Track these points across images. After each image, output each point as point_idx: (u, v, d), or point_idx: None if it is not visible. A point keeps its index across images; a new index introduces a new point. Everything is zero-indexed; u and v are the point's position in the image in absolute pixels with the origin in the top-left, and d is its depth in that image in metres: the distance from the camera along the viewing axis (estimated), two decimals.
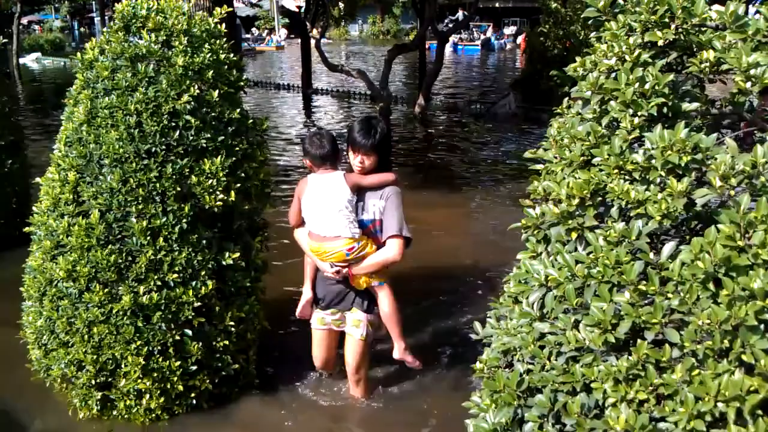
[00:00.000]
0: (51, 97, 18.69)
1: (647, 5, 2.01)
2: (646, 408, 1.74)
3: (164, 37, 3.48)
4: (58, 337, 3.50)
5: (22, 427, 3.66)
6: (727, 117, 2.16)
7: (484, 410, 2.12)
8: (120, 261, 3.32)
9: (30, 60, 30.80)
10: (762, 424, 1.57)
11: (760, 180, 1.72)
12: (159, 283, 3.35)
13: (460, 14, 35.99)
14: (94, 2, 41.61)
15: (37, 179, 3.71)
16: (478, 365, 2.25)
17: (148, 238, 3.31)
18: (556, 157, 2.18)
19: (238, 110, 3.64)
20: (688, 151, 1.79)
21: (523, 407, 2.03)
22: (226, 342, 3.59)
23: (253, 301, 3.75)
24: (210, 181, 3.40)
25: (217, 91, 3.51)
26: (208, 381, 3.59)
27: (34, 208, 3.66)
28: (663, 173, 1.83)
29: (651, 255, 1.82)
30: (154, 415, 3.54)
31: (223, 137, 3.49)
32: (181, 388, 3.49)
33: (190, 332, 3.45)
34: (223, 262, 3.51)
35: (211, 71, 3.52)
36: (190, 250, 3.38)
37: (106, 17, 30.40)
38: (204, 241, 3.44)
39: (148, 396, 3.47)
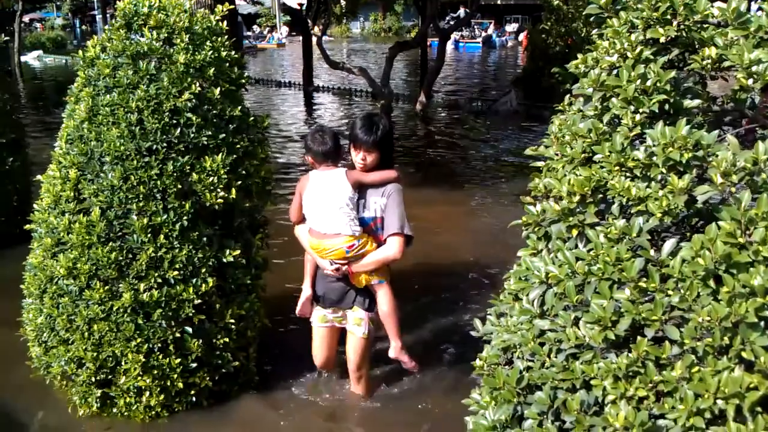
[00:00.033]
0: (52, 95, 18.73)
1: (649, 2, 2.01)
2: (645, 405, 1.73)
3: (166, 35, 3.48)
4: (58, 335, 3.50)
5: (22, 424, 3.67)
6: (729, 114, 2.15)
7: (484, 407, 2.12)
8: (120, 258, 3.32)
9: (31, 58, 30.83)
10: (761, 421, 1.57)
11: (761, 177, 1.71)
12: (159, 280, 3.35)
13: (461, 11, 35.95)
14: (95, 0, 41.60)
15: (38, 177, 3.72)
16: (477, 362, 2.25)
17: (149, 235, 3.31)
18: (557, 154, 2.18)
19: (240, 108, 3.63)
20: (689, 148, 1.79)
21: (523, 404, 2.03)
22: (227, 339, 3.59)
23: (253, 299, 3.75)
24: (211, 178, 3.40)
25: (218, 88, 3.51)
26: (208, 378, 3.60)
27: (35, 206, 3.67)
28: (664, 170, 1.82)
29: (651, 252, 1.82)
30: (154, 412, 3.55)
31: (224, 135, 3.48)
32: (181, 385, 3.49)
33: (190, 329, 3.46)
34: (224, 260, 3.51)
35: (213, 69, 3.51)
36: (190, 247, 3.38)
37: (108, 15, 30.43)
38: (204, 239, 3.44)
39: (148, 393, 3.48)
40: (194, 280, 3.41)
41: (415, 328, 4.70)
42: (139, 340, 3.36)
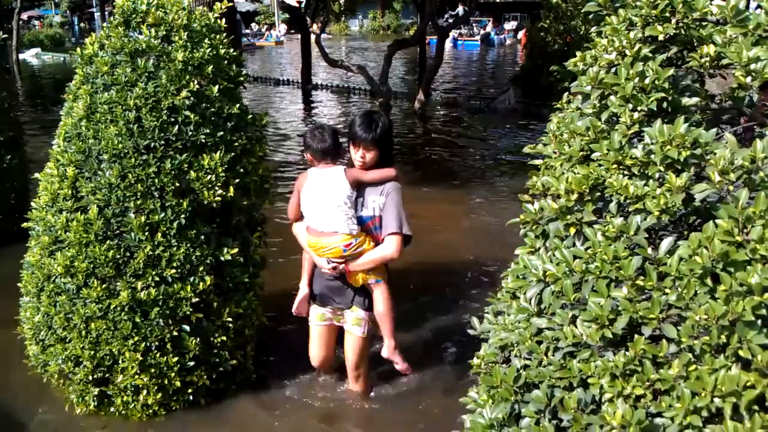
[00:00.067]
0: (50, 93, 18.68)
1: (648, 0, 2.01)
2: (642, 403, 1.73)
3: (164, 32, 3.47)
4: (55, 333, 3.50)
5: (19, 423, 3.66)
6: (727, 112, 2.15)
7: (481, 405, 2.12)
8: (118, 256, 3.32)
9: (30, 55, 30.77)
10: (758, 420, 1.57)
11: (758, 175, 1.71)
12: (157, 278, 3.35)
13: (460, 9, 35.92)
14: None
15: (36, 175, 3.71)
16: (475, 361, 2.25)
17: (147, 233, 3.30)
18: (555, 152, 2.18)
19: (238, 105, 3.63)
20: (687, 146, 1.79)
21: (520, 402, 2.03)
22: (224, 338, 3.58)
23: (251, 297, 3.74)
24: (209, 176, 3.39)
25: (216, 86, 3.50)
26: (205, 377, 3.59)
27: (32, 204, 3.66)
28: (662, 168, 1.82)
29: (649, 250, 1.82)
30: (151, 410, 3.55)
31: (222, 133, 3.48)
32: (178, 383, 3.49)
33: (187, 328, 3.45)
34: (222, 258, 3.51)
35: (211, 66, 3.51)
36: (188, 245, 3.38)
37: (106, 12, 30.39)
38: (202, 237, 3.44)
39: (145, 392, 3.48)
40: (192, 279, 3.41)
41: (413, 327, 4.70)
42: (136, 338, 3.35)
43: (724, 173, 1.71)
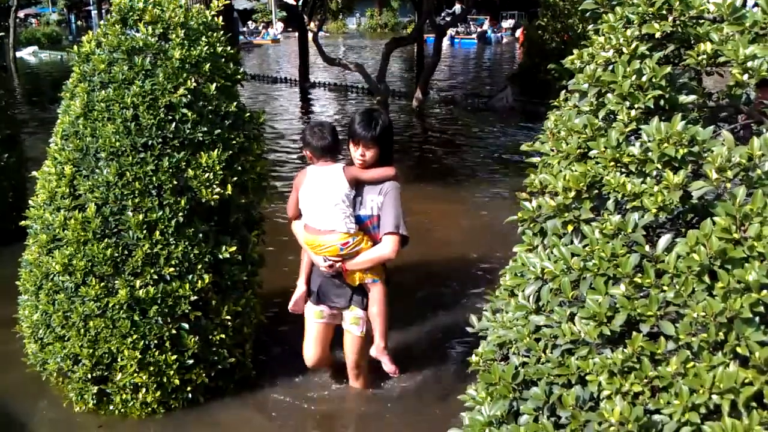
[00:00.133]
0: (48, 91, 18.62)
1: None
2: (641, 400, 1.74)
3: (161, 30, 3.47)
4: (54, 331, 3.49)
5: (18, 421, 3.66)
6: (724, 110, 2.15)
7: (480, 403, 2.12)
8: (116, 255, 3.32)
9: (27, 53, 30.68)
10: (756, 416, 1.57)
11: (756, 172, 1.72)
12: (155, 276, 3.35)
13: (457, 7, 35.89)
14: None
15: (34, 173, 3.71)
16: (473, 358, 2.25)
17: (145, 231, 3.30)
18: (552, 150, 2.17)
19: (235, 103, 3.62)
20: (684, 143, 1.79)
21: (519, 400, 2.03)
22: (223, 336, 3.58)
23: (249, 295, 3.75)
24: (206, 174, 3.39)
25: (214, 84, 3.50)
26: (204, 375, 3.60)
27: (30, 202, 3.65)
28: (659, 166, 1.82)
29: (647, 248, 1.82)
30: (150, 408, 3.55)
31: (219, 130, 3.48)
32: (177, 381, 3.49)
33: (186, 326, 3.45)
34: (220, 256, 3.51)
35: (208, 64, 3.51)
36: (186, 243, 3.38)
37: (103, 10, 30.32)
38: (200, 235, 3.44)
39: (144, 390, 3.48)
40: (190, 277, 3.40)
41: (411, 324, 4.71)
42: (135, 336, 3.35)
43: (721, 171, 1.71)
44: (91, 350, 3.39)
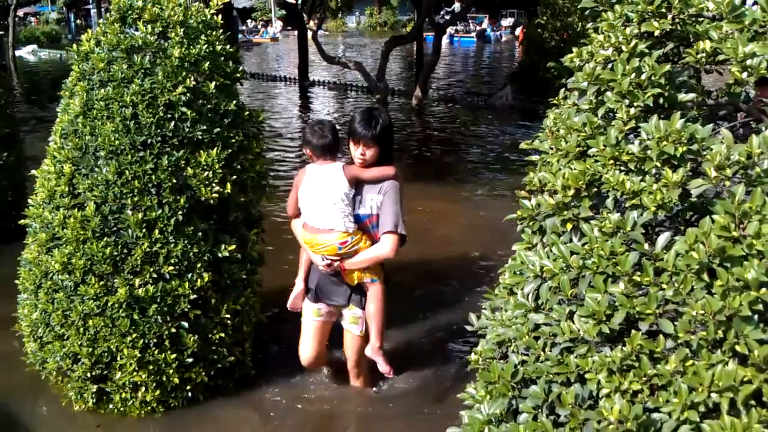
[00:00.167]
0: (47, 89, 18.61)
1: None
2: (640, 398, 1.74)
3: (160, 29, 3.47)
4: (53, 330, 3.49)
5: (17, 420, 3.66)
6: (723, 108, 2.15)
7: (479, 401, 2.12)
8: (115, 253, 3.31)
9: (26, 52, 30.65)
10: (755, 415, 1.57)
11: (755, 170, 1.72)
12: (155, 275, 3.34)
13: (456, 5, 35.89)
14: None
15: (33, 171, 3.70)
16: (473, 356, 2.25)
17: (144, 230, 3.30)
18: (552, 148, 2.17)
19: (235, 102, 3.62)
20: (683, 141, 1.79)
21: (518, 398, 2.03)
22: (222, 334, 3.58)
23: (249, 294, 3.75)
24: (206, 173, 3.39)
25: (213, 82, 3.50)
26: (203, 373, 3.59)
27: (29, 201, 3.65)
28: (658, 164, 1.82)
29: (646, 246, 1.82)
30: (149, 407, 3.55)
31: (219, 129, 3.48)
32: (176, 380, 3.49)
33: (186, 325, 3.45)
34: (219, 255, 3.50)
35: (208, 63, 3.50)
36: (185, 242, 3.37)
37: (103, 9, 30.30)
38: (200, 234, 3.44)
39: (143, 389, 3.48)
40: (189, 275, 3.40)
41: (411, 323, 4.71)
42: (134, 335, 3.35)
43: (720, 169, 1.71)
44: (90, 349, 3.39)
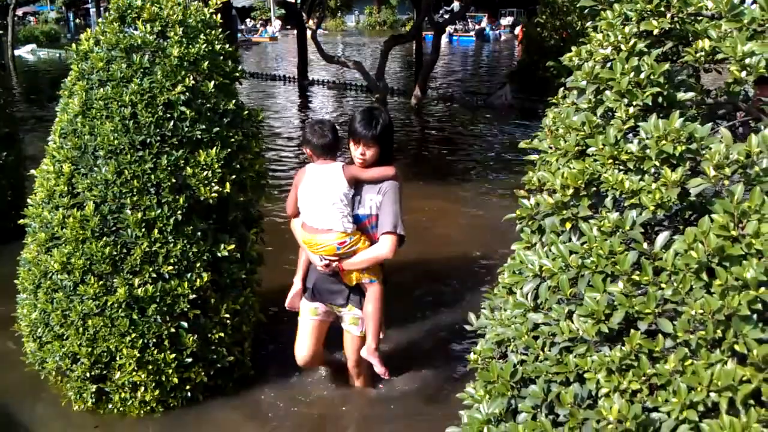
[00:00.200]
0: (46, 89, 18.61)
1: None
2: (639, 398, 1.74)
3: (159, 28, 3.47)
4: (52, 330, 3.49)
5: (16, 420, 3.66)
6: (722, 107, 2.15)
7: (478, 401, 2.12)
8: (115, 253, 3.31)
9: (25, 51, 30.64)
10: (754, 414, 1.57)
11: (754, 169, 1.72)
12: (154, 275, 3.34)
13: (455, 4, 35.87)
14: None
15: (32, 171, 3.70)
16: (472, 356, 2.25)
17: (143, 230, 3.30)
18: (551, 147, 2.17)
19: (234, 101, 3.62)
20: (682, 140, 1.79)
21: (517, 398, 2.03)
22: (222, 334, 3.58)
23: (248, 293, 3.74)
24: (205, 172, 3.39)
25: (212, 82, 3.50)
26: (203, 373, 3.59)
27: (28, 200, 3.65)
28: (657, 163, 1.82)
29: (645, 245, 1.82)
30: (149, 407, 3.55)
31: (218, 128, 3.47)
32: (176, 380, 3.49)
33: (185, 324, 3.45)
34: (219, 254, 3.50)
35: (207, 62, 3.50)
36: (185, 242, 3.37)
37: (102, 8, 30.27)
38: (199, 233, 3.44)
39: (143, 388, 3.47)
40: (189, 275, 3.40)
41: (410, 322, 4.71)
42: (133, 335, 3.35)
43: (719, 168, 1.71)
44: (89, 349, 3.39)
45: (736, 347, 1.61)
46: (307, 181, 3.40)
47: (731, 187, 1.70)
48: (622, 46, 1.99)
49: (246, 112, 3.73)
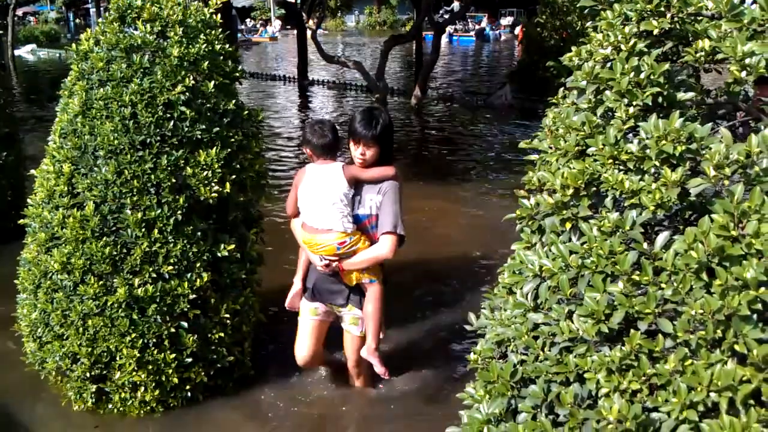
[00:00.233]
0: (46, 89, 18.60)
1: None
2: (639, 398, 1.74)
3: (159, 28, 3.47)
4: (52, 330, 3.49)
5: (16, 420, 3.66)
6: (722, 107, 2.15)
7: (478, 401, 2.12)
8: (115, 253, 3.31)
9: (25, 51, 30.64)
10: (754, 414, 1.57)
11: (753, 170, 1.72)
12: (154, 275, 3.34)
13: (455, 4, 35.87)
14: None
15: (32, 171, 3.70)
16: (472, 356, 2.25)
17: (143, 230, 3.30)
18: (551, 147, 2.17)
19: (234, 101, 3.62)
20: (682, 140, 1.79)
21: (517, 398, 2.03)
22: (222, 334, 3.58)
23: (248, 293, 3.74)
24: (205, 172, 3.39)
25: (212, 82, 3.50)
26: (203, 373, 3.59)
27: (28, 201, 3.65)
28: (657, 163, 1.82)
29: (645, 245, 1.82)
30: (149, 407, 3.55)
31: (218, 128, 3.47)
32: (176, 380, 3.49)
33: (185, 324, 3.45)
34: (219, 254, 3.50)
35: (207, 62, 3.50)
36: (185, 242, 3.37)
37: (102, 8, 30.28)
38: (199, 233, 3.44)
39: (143, 388, 3.47)
40: (189, 275, 3.40)
41: (410, 322, 4.71)
42: (133, 335, 3.35)
43: (719, 168, 1.71)
44: (89, 349, 3.39)
45: (736, 347, 1.61)
46: (307, 181, 3.40)
47: (731, 187, 1.70)
48: (622, 46, 1.99)
49: (246, 112, 3.73)
